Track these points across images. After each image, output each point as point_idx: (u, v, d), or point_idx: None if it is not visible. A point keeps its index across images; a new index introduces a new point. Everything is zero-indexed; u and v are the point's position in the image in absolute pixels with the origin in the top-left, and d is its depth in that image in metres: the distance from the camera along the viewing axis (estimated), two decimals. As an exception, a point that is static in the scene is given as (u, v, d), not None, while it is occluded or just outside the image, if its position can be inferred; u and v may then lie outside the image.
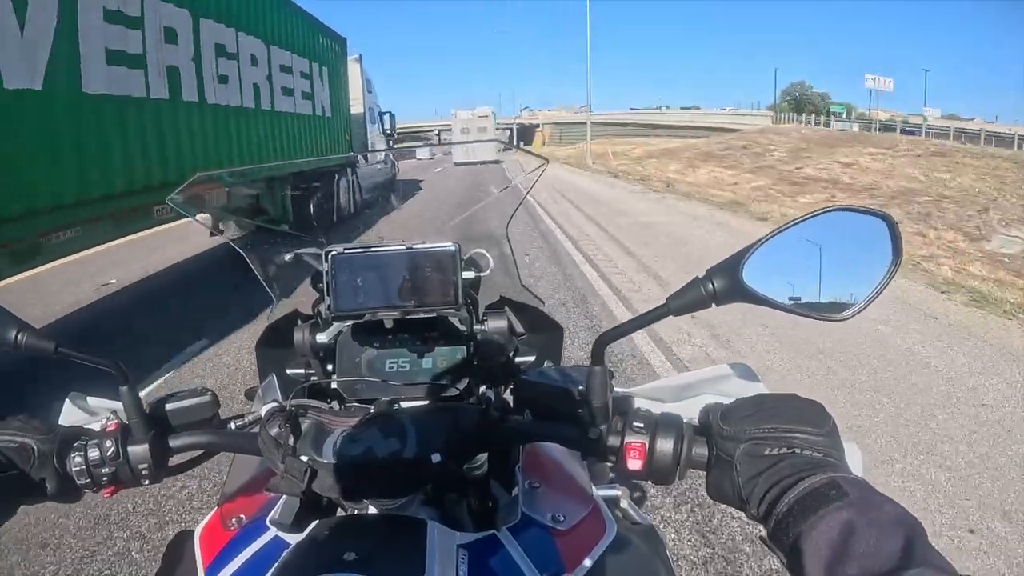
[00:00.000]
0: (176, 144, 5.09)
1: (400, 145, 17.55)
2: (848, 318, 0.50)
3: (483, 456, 0.66)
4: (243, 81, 6.47)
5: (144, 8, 4.60)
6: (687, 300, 0.51)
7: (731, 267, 0.50)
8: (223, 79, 5.99)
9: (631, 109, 67.48)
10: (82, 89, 3.92)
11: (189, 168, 5.08)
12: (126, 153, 4.40)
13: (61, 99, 3.73)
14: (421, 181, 16.28)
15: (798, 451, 0.46)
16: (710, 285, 0.50)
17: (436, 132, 58.14)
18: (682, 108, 62.71)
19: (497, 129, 54.99)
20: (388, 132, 13.81)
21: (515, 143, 51.71)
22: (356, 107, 11.37)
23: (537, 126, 64.67)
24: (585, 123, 54.93)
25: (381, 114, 13.50)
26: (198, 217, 0.87)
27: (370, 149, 12.63)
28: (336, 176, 9.36)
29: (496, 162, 20.01)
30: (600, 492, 0.71)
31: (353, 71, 11.29)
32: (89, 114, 3.99)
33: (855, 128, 37.93)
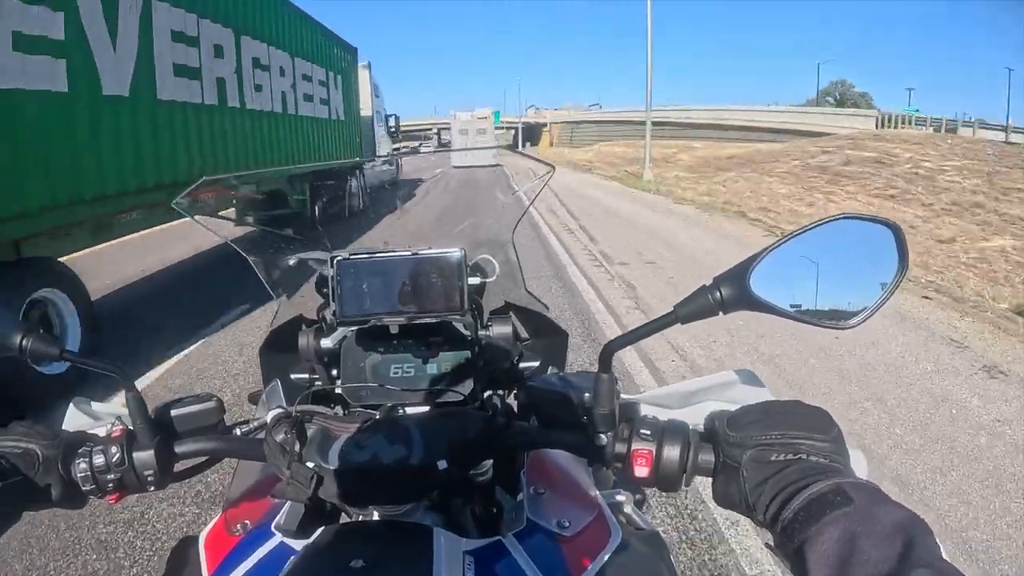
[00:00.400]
0: (223, 142, 6.03)
1: (402, 145, 17.89)
2: (855, 326, 0.51)
3: (488, 462, 0.66)
4: (273, 89, 7.42)
5: (200, 29, 5.52)
6: (694, 308, 0.51)
7: (738, 275, 0.50)
8: (258, 88, 6.93)
9: (661, 105, 49.27)
10: (157, 96, 4.83)
11: (232, 163, 6.03)
12: (186, 149, 5.31)
13: (143, 104, 4.64)
14: (421, 180, 17.29)
15: (804, 457, 0.46)
16: (717, 293, 0.51)
17: (435, 131, 55.16)
18: (705, 105, 45.45)
19: (500, 128, 51.98)
20: (393, 133, 14.83)
21: (520, 144, 48.46)
22: (365, 110, 12.35)
23: (544, 125, 60.48)
24: (598, 122, 52.13)
25: (387, 116, 14.52)
26: (198, 218, 0.92)
27: (376, 149, 13.55)
28: (348, 174, 10.29)
29: (495, 166, 19.27)
30: (605, 498, 0.71)
31: (363, 77, 12.30)
32: (161, 116, 4.90)
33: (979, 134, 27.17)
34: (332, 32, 10.22)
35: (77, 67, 3.90)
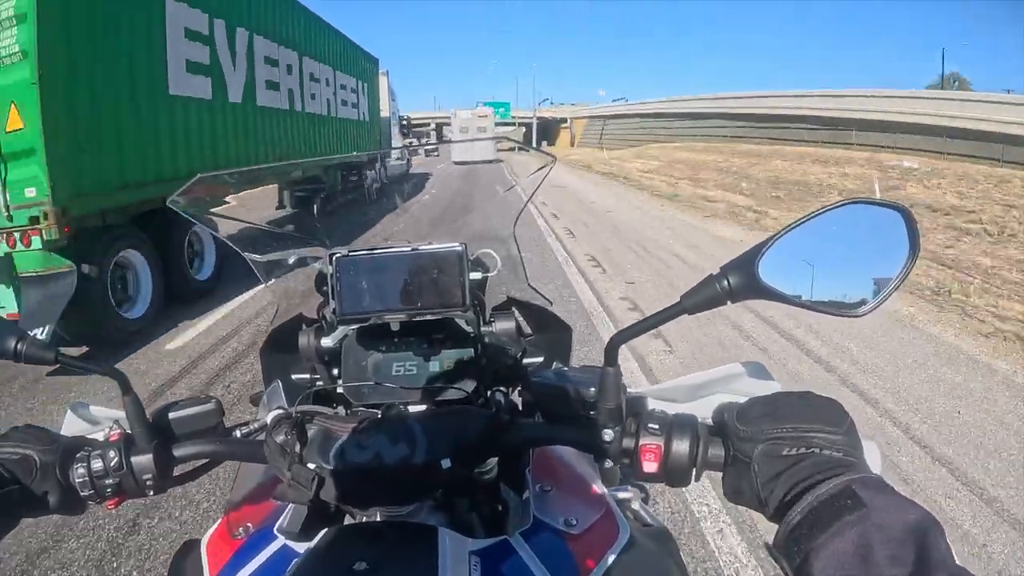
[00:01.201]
0: (290, 137, 8.19)
1: (408, 140, 19.49)
2: (866, 313, 0.50)
3: (493, 460, 0.65)
4: (321, 97, 9.60)
5: (279, 53, 7.62)
6: (702, 297, 0.50)
7: (746, 263, 0.49)
8: (312, 96, 9.06)
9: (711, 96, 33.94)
10: (256, 103, 6.92)
11: (295, 152, 8.12)
12: (272, 140, 7.48)
13: (249, 108, 6.75)
14: (429, 174, 18.19)
15: (817, 451, 0.46)
16: (725, 282, 0.50)
17: (432, 127, 50.76)
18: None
19: (510, 125, 49.15)
20: (405, 132, 17.04)
21: (535, 143, 43.56)
22: (383, 112, 14.49)
23: (563, 121, 52.72)
24: (633, 116, 38.91)
25: (400, 117, 16.71)
26: (194, 215, 0.89)
27: (392, 145, 15.71)
28: (369, 166, 12.37)
29: (497, 161, 18.75)
30: (612, 494, 0.70)
31: (382, 83, 14.43)
32: (259, 117, 7.04)
33: None
34: (359, 46, 12.33)
35: (215, 83, 5.99)
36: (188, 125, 5.58)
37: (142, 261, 4.91)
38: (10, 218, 3.99)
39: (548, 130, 53.44)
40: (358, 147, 12.03)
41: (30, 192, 3.95)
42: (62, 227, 3.94)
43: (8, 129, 4.00)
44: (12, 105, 3.96)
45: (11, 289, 4.13)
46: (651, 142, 32.87)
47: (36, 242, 3.93)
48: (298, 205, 8.89)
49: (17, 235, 3.98)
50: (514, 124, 50.64)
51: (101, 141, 4.46)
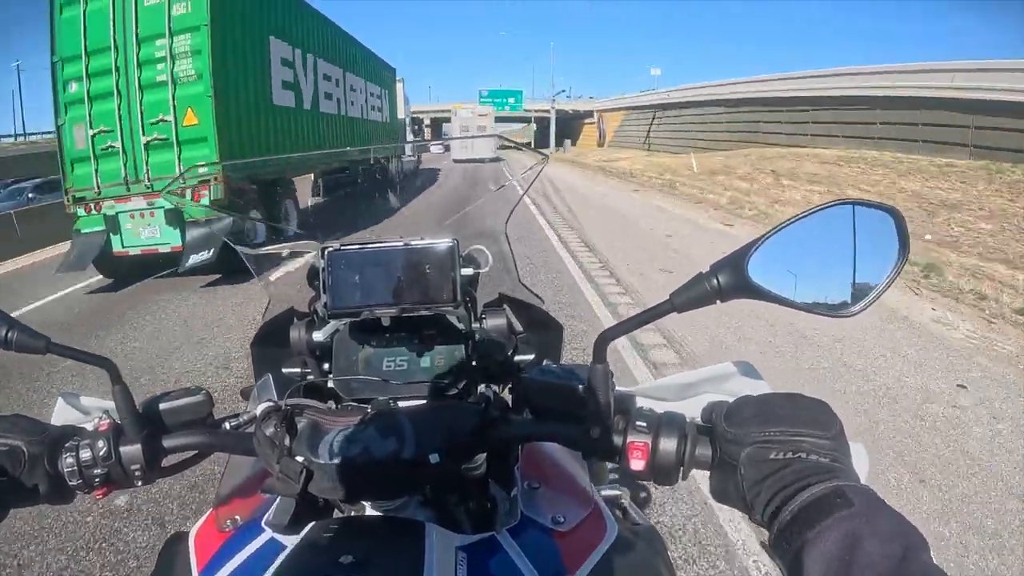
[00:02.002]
0: (336, 135, 10.43)
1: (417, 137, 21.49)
2: (856, 313, 0.50)
3: (482, 456, 0.65)
4: (357, 103, 11.82)
5: (331, 71, 9.85)
6: (691, 296, 0.50)
7: (736, 262, 0.49)
8: (351, 103, 11.27)
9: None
10: (320, 110, 9.09)
11: (339, 146, 10.26)
12: (327, 137, 9.72)
13: (315, 114, 8.95)
14: (439, 170, 19.19)
15: (804, 456, 0.45)
16: (715, 281, 0.49)
17: (427, 123, 47.20)
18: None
19: (524, 124, 46.24)
20: (416, 132, 19.28)
21: (553, 143, 39.26)
22: (400, 114, 16.75)
23: (588, 115, 44.52)
24: (708, 104, 27.00)
25: (412, 119, 18.98)
26: (189, 209, 1.23)
27: (404, 144, 18.01)
28: (390, 160, 14.64)
29: (496, 159, 19.44)
30: (601, 492, 0.70)
31: (398, 89, 16.63)
32: (320, 121, 9.30)
33: None
34: (382, 59, 14.60)
35: (295, 95, 8.17)
36: (281, 126, 7.88)
37: (264, 214, 7.04)
38: (183, 180, 6.14)
39: (569, 126, 44.97)
40: (381, 143, 14.31)
41: (202, 168, 6.08)
42: (223, 187, 6.07)
43: (184, 124, 6.16)
44: (189, 109, 6.12)
45: (177, 231, 6.25)
46: (741, 143, 22.72)
47: (205, 199, 6.05)
48: (327, 193, 11.04)
49: (189, 192, 6.12)
50: (529, 120, 44.23)
51: (241, 133, 6.64)
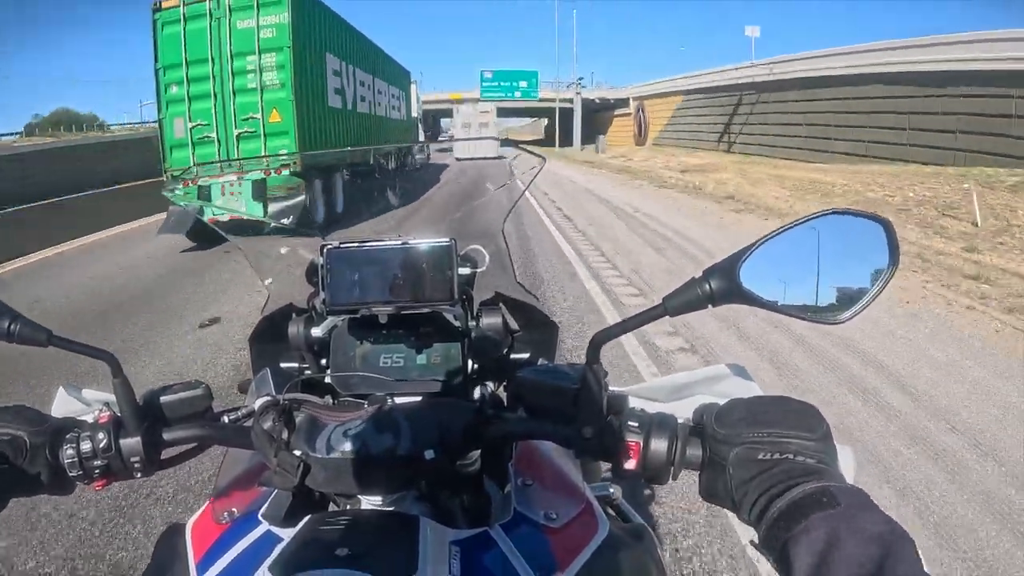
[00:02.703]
0: (368, 131, 12.35)
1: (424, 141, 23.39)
2: (845, 321, 0.51)
3: (476, 453, 0.66)
4: (383, 104, 13.88)
5: (364, 78, 11.83)
6: (683, 300, 0.51)
7: (728, 268, 0.50)
8: (378, 103, 13.28)
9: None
10: (356, 110, 11.06)
11: (370, 142, 12.22)
12: (362, 133, 11.62)
13: (354, 113, 10.97)
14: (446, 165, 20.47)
15: (791, 457, 0.47)
16: (707, 286, 0.50)
17: (417, 115, 37.06)
18: None
19: (532, 119, 42.60)
20: (429, 129, 21.32)
21: (578, 137, 33.78)
22: (414, 113, 18.73)
23: (620, 104, 36.10)
24: (807, 84, 17.90)
25: (423, 116, 21.06)
26: (185, 205, 1.36)
27: (419, 139, 20.02)
28: (407, 152, 16.72)
29: (499, 158, 20.44)
30: (593, 490, 0.71)
31: (413, 90, 18.61)
32: (357, 119, 11.25)
33: None
34: (400, 64, 16.54)
35: (342, 99, 10.19)
36: (333, 123, 9.80)
37: (320, 194, 8.98)
38: (268, 162, 8.10)
39: (597, 120, 37.26)
40: (401, 140, 16.32)
41: (283, 153, 8.05)
42: (299, 167, 8.04)
43: (270, 120, 8.13)
44: (274, 110, 8.08)
45: (260, 204, 8.17)
46: (940, 151, 14.50)
47: (285, 172, 8.02)
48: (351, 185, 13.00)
49: (272, 169, 8.09)
50: (540, 113, 38.33)
51: (312, 128, 8.67)
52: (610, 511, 0.79)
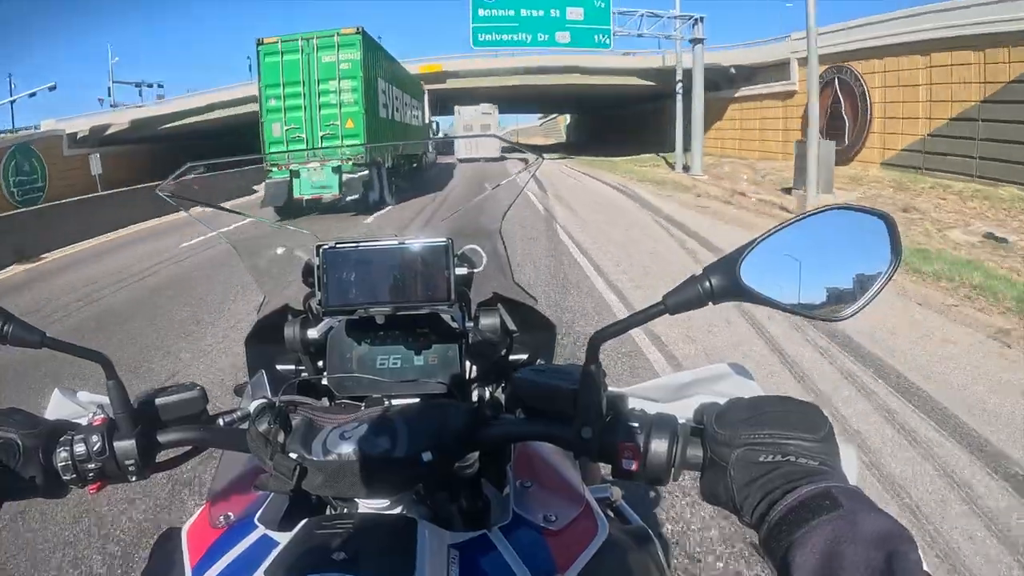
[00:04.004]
0: (395, 133, 15.43)
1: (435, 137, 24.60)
2: (847, 317, 0.51)
3: (474, 455, 0.66)
4: (405, 112, 17.23)
5: (396, 93, 15.49)
6: (684, 298, 0.51)
7: (728, 265, 0.50)
8: (405, 113, 16.86)
9: None
10: (390, 118, 14.72)
11: (397, 141, 15.89)
12: (394, 135, 15.06)
13: (388, 120, 14.62)
14: (453, 165, 23.54)
15: (793, 459, 0.46)
16: (707, 283, 0.50)
17: (429, 120, 27.96)
18: None
19: (554, 113, 35.19)
20: (435, 132, 24.94)
21: (683, 139, 15.59)
22: (425, 119, 22.34)
23: (755, 75, 17.65)
24: None
25: (433, 121, 24.75)
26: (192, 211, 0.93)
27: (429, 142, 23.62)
28: (422, 151, 20.31)
29: (502, 158, 21.18)
30: (592, 492, 0.71)
31: (425, 98, 22.26)
32: (390, 125, 14.78)
33: None
34: (415, 76, 20.17)
35: (385, 110, 13.88)
36: (381, 127, 13.31)
37: (377, 180, 12.54)
38: (341, 152, 11.75)
39: (714, 107, 18.83)
40: (418, 140, 19.93)
41: (354, 148, 11.73)
42: (365, 158, 11.65)
43: (346, 127, 11.80)
44: (349, 120, 11.76)
45: (337, 178, 11.74)
46: None
47: (350, 163, 11.64)
48: (392, 172, 15.90)
49: (345, 159, 11.74)
50: (546, 122, 30.91)
51: (372, 132, 12.26)
52: (610, 513, 0.79)
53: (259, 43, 12.01)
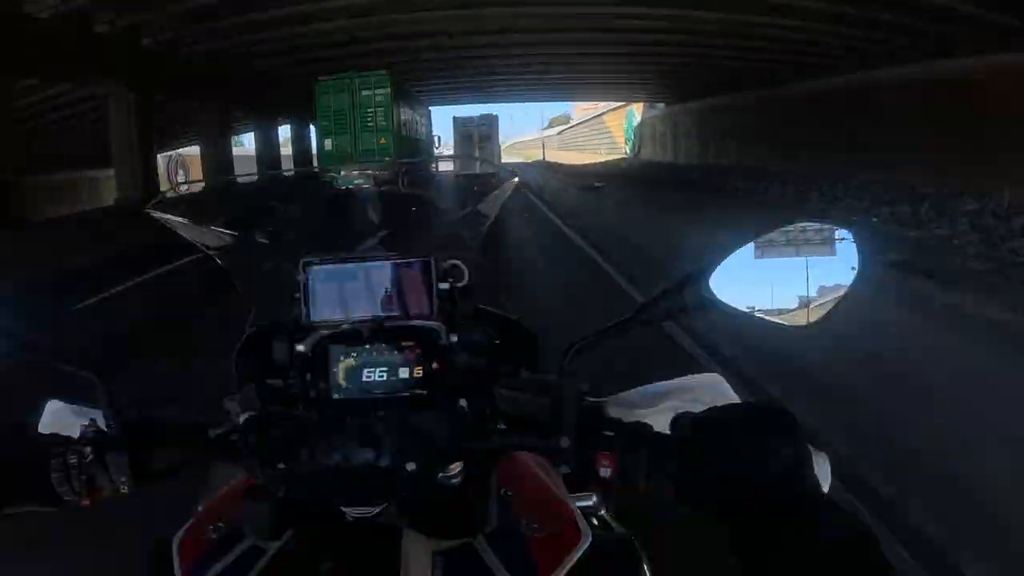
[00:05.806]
0: (410, 147, 19.05)
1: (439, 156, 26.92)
2: (818, 324, 0.53)
3: (458, 465, 0.68)
4: (415, 128, 20.29)
5: (409, 113, 19.45)
6: (657, 311, 0.54)
7: (699, 277, 0.52)
8: (416, 130, 20.39)
9: None
10: (403, 135, 18.24)
11: (409, 156, 20.14)
12: (409, 150, 19.21)
13: (402, 136, 17.95)
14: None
15: (764, 464, 0.48)
16: (679, 296, 0.53)
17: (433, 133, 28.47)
18: None
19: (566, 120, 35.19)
20: (437, 146, 29.57)
21: None
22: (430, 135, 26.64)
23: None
24: None
25: (437, 136, 29.18)
26: (176, 220, 0.96)
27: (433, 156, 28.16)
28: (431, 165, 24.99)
29: (496, 172, 19.74)
30: (576, 501, 0.72)
31: (429, 114, 26.69)
32: (402, 140, 18.00)
33: None
34: (420, 97, 24.17)
35: (406, 129, 18.19)
36: (403, 144, 17.45)
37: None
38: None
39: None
40: (423, 154, 23.80)
41: (386, 157, 16.29)
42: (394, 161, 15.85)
43: (379, 143, 16.35)
44: (383, 138, 16.33)
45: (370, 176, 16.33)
46: None
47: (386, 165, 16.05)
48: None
49: (379, 169, 16.31)
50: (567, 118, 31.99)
51: (396, 147, 16.75)
52: (593, 521, 0.81)
53: (317, 80, 16.60)
